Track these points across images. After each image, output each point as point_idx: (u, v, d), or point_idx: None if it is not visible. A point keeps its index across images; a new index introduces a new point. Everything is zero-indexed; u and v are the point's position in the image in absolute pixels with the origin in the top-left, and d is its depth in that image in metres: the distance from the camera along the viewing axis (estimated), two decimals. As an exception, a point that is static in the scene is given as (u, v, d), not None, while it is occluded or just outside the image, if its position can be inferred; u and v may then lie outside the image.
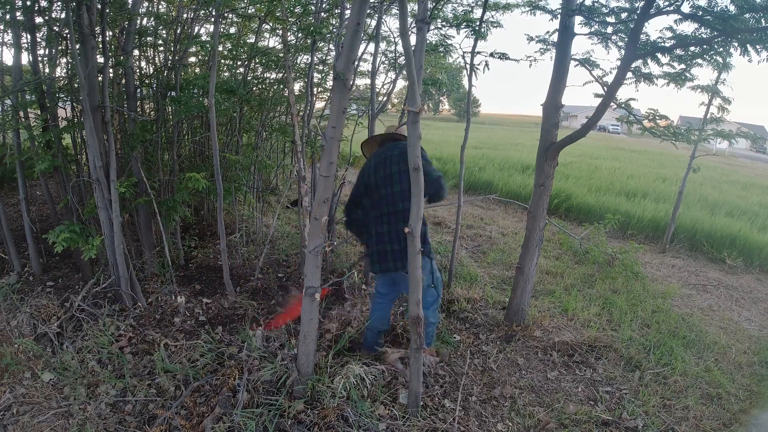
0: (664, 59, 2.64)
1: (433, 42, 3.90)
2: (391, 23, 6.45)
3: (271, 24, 4.10)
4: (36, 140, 3.35)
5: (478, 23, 3.45)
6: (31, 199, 4.57)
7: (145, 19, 3.93)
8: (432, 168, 2.48)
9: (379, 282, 2.79)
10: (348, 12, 3.22)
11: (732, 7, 2.19)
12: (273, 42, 5.37)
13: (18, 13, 3.19)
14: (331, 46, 4.42)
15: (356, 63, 3.18)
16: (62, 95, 3.54)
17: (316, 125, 3.98)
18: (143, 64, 4.40)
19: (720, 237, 5.97)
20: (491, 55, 3.64)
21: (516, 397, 2.60)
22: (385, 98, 4.09)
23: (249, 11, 3.94)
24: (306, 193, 3.41)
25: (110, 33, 3.64)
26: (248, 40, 4.76)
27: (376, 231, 2.55)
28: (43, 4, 3.26)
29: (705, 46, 2.48)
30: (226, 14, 3.86)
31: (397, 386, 2.54)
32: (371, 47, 3.96)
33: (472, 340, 3.19)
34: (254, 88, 4.71)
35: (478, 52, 3.57)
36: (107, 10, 3.13)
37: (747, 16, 2.18)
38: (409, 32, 1.91)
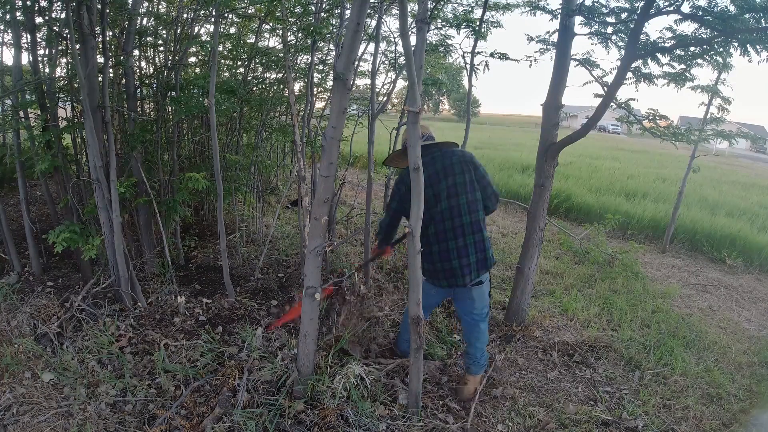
0: (664, 59, 2.64)
1: (433, 42, 3.90)
2: (391, 23, 6.45)
3: (271, 24, 4.10)
4: (36, 140, 3.35)
5: (478, 23, 3.45)
6: (31, 199, 4.57)
7: (145, 19, 3.93)
8: (490, 180, 2.44)
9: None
10: (348, 12, 3.22)
11: (732, 7, 2.19)
12: (273, 42, 5.37)
13: (18, 13, 3.18)
14: (331, 46, 4.43)
15: (356, 63, 3.18)
16: (62, 95, 3.54)
17: (316, 125, 3.98)
18: (143, 64, 4.40)
19: (720, 237, 5.98)
20: (491, 55, 3.64)
21: (516, 397, 2.60)
22: (385, 98, 4.09)
23: (249, 11, 3.94)
24: (306, 193, 3.41)
25: (110, 33, 3.63)
26: (248, 40, 4.76)
27: (439, 248, 2.34)
28: (43, 4, 3.26)
29: (705, 46, 2.48)
30: (226, 14, 3.85)
31: (397, 387, 2.54)
32: (371, 47, 3.96)
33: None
34: (254, 88, 4.71)
35: (478, 52, 3.58)
36: (107, 10, 3.13)
37: (747, 16, 2.18)
38: (409, 32, 1.91)
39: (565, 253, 5.37)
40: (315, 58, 3.82)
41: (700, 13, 2.29)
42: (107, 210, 3.00)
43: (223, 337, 2.94)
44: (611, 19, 2.81)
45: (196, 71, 5.04)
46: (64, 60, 3.70)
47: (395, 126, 5.16)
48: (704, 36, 2.39)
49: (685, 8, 2.34)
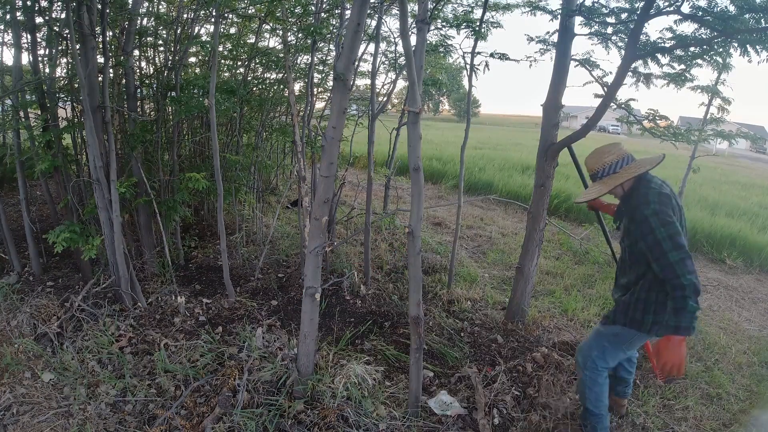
0: (664, 60, 2.63)
1: (433, 42, 3.90)
2: (392, 23, 6.47)
3: (271, 24, 4.10)
4: (36, 140, 3.35)
5: (478, 23, 3.45)
6: (31, 199, 4.57)
7: (146, 19, 3.93)
8: (665, 239, 1.77)
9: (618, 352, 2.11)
10: (348, 12, 3.22)
11: (732, 8, 2.19)
12: (273, 42, 5.38)
13: (18, 13, 3.19)
14: (332, 47, 4.43)
15: (356, 63, 3.18)
16: (62, 95, 3.54)
17: (316, 125, 3.98)
18: (143, 64, 4.41)
19: (720, 237, 5.97)
20: (491, 55, 3.63)
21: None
22: (385, 98, 4.09)
23: (249, 11, 3.94)
24: (306, 193, 3.41)
25: (110, 33, 3.64)
26: (248, 41, 4.77)
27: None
28: (43, 4, 3.26)
29: (705, 47, 2.47)
30: (226, 14, 3.86)
31: (398, 385, 2.54)
32: (371, 47, 3.97)
33: (473, 341, 3.19)
34: (254, 89, 4.72)
35: (478, 53, 3.57)
36: (107, 11, 3.13)
37: (747, 16, 2.18)
38: (410, 33, 1.92)
39: (565, 253, 5.37)
40: (315, 59, 3.82)
41: (700, 13, 2.29)
42: (107, 210, 3.00)
43: (223, 337, 2.94)
44: (611, 20, 2.81)
45: (196, 71, 5.04)
46: (64, 60, 3.70)
47: (395, 126, 5.18)
48: (704, 36, 2.38)
49: (685, 8, 2.33)
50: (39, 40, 3.44)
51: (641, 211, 1.85)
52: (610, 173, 2.00)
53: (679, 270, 1.72)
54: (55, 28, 3.23)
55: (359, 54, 3.22)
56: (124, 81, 3.61)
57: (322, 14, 3.59)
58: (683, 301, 1.70)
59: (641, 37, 2.48)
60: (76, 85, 3.34)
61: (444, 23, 3.78)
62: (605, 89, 2.81)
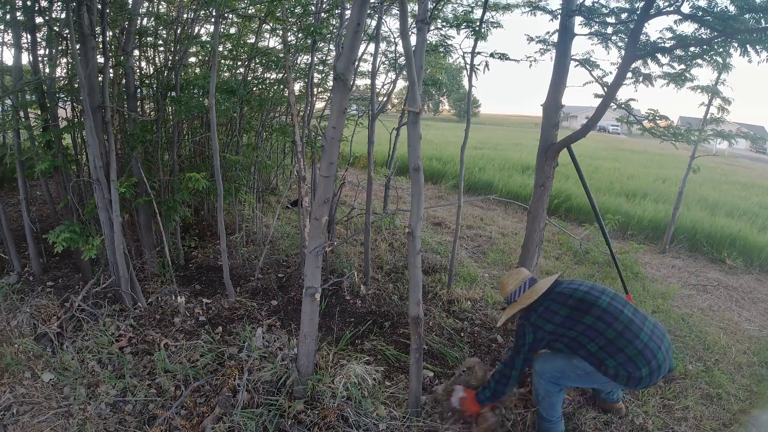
0: (664, 59, 2.63)
1: (433, 42, 3.90)
2: (392, 23, 6.47)
3: (271, 24, 4.10)
4: (36, 140, 3.35)
5: (478, 23, 3.45)
6: (31, 199, 4.57)
7: (146, 19, 3.93)
8: (512, 356, 2.17)
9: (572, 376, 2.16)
10: (348, 12, 3.22)
11: (732, 8, 2.19)
12: (273, 42, 5.38)
13: (18, 13, 3.19)
14: (332, 47, 4.43)
15: (356, 63, 3.18)
16: (62, 95, 3.54)
17: (316, 125, 3.98)
18: (143, 64, 4.41)
19: (720, 237, 5.97)
20: (491, 55, 3.63)
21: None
22: (385, 98, 4.09)
23: (249, 12, 3.95)
24: (306, 193, 3.41)
25: (110, 33, 3.64)
26: (248, 41, 4.77)
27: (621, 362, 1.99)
28: (43, 4, 3.26)
29: (705, 47, 2.47)
30: (226, 14, 3.86)
31: (398, 385, 2.54)
32: (371, 47, 3.96)
33: (473, 341, 3.19)
34: (254, 89, 4.72)
35: (478, 53, 3.57)
36: (107, 11, 3.14)
37: (747, 16, 2.18)
38: (410, 33, 1.92)
39: (565, 253, 5.37)
40: (315, 59, 3.82)
41: (700, 13, 2.29)
42: (107, 210, 3.00)
43: (223, 337, 2.94)
44: (611, 20, 2.81)
45: (196, 71, 5.04)
46: (64, 60, 3.70)
47: (395, 126, 5.18)
48: (704, 36, 2.38)
49: (685, 8, 2.33)
50: (39, 40, 3.44)
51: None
52: (512, 301, 2.32)
53: (496, 375, 2.19)
54: (55, 28, 3.23)
55: (359, 54, 3.22)
56: (124, 81, 3.61)
57: (322, 14, 3.59)
58: (483, 392, 2.22)
59: (641, 37, 2.48)
60: (76, 85, 3.34)
61: (444, 23, 3.77)
62: (605, 89, 2.81)
